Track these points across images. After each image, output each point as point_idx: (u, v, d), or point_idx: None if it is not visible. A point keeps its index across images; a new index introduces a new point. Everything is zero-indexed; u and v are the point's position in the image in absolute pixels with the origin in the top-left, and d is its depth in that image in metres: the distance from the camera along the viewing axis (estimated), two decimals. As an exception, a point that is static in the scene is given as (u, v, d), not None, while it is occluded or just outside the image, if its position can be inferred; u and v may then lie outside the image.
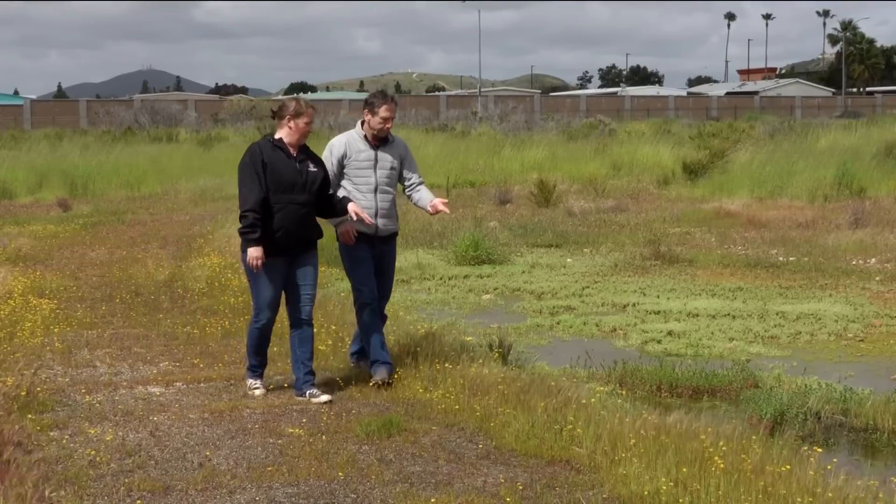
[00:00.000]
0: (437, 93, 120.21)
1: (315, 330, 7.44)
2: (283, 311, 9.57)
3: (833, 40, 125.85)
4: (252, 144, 7.19)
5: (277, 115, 7.12)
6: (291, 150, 7.03)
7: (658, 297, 11.68)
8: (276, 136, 7.08)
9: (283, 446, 6.08)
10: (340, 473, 5.57)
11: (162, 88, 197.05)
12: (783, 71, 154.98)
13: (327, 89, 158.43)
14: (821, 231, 16.47)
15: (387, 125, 7.35)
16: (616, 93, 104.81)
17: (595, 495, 5.23)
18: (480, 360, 7.65)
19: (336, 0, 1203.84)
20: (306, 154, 7.12)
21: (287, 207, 6.93)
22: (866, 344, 9.50)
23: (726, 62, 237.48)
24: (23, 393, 6.95)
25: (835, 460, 5.80)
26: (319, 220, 7.29)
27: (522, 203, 21.92)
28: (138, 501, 5.22)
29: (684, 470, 5.23)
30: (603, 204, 21.07)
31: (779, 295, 11.73)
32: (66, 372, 7.99)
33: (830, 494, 4.95)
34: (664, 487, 5.08)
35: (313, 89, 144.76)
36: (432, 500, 5.15)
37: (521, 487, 5.33)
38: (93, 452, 5.90)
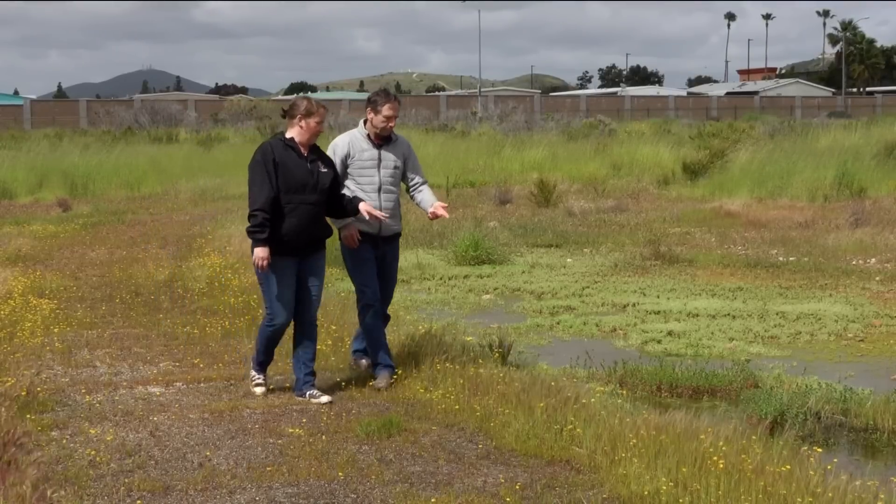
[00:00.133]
0: (437, 93, 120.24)
1: (314, 330, 7.42)
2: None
3: (833, 40, 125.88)
4: (263, 143, 7.12)
5: (288, 113, 7.05)
6: (302, 150, 6.98)
7: (658, 297, 11.68)
8: (288, 136, 7.01)
9: (283, 446, 6.08)
10: (340, 473, 5.57)
11: (162, 88, 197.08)
12: (783, 71, 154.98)
13: (327, 89, 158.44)
14: (821, 231, 16.47)
15: (390, 124, 7.31)
16: (616, 93, 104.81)
17: (595, 495, 5.23)
18: (480, 360, 7.64)
19: (336, 0, 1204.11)
20: (317, 154, 7.07)
21: (298, 208, 6.87)
22: (866, 344, 9.50)
23: (726, 62, 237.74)
24: (23, 393, 6.95)
25: (835, 460, 5.80)
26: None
27: (522, 203, 21.91)
28: (138, 501, 5.22)
29: (684, 470, 5.23)
30: (603, 204, 21.08)
31: (779, 295, 11.72)
32: (66, 372, 7.99)
33: (830, 494, 4.95)
34: (664, 487, 5.08)
35: (313, 89, 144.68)
36: (432, 500, 5.15)
37: (520, 487, 5.33)
38: (93, 452, 5.90)
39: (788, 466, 5.29)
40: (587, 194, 23.26)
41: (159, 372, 7.99)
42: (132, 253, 15.06)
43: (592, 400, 6.65)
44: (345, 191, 7.26)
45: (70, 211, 22.14)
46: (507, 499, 5.16)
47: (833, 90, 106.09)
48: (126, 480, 5.50)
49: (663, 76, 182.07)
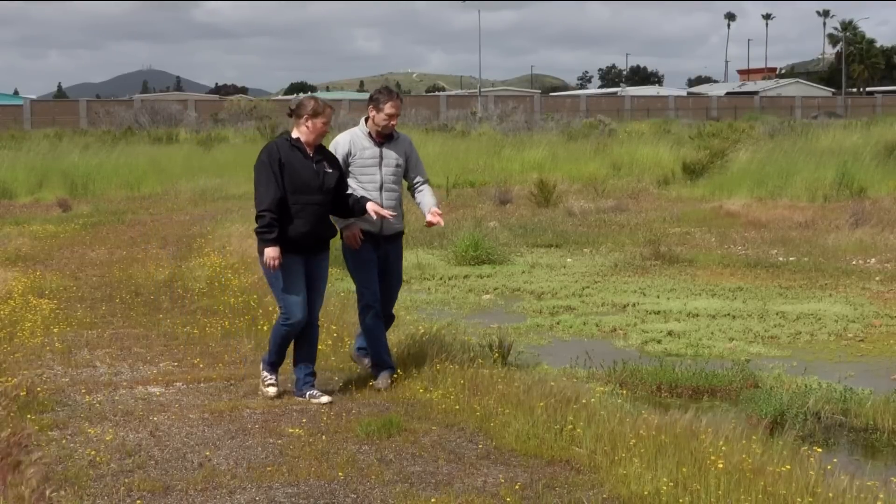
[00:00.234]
0: (437, 93, 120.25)
1: (314, 330, 7.41)
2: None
3: (833, 40, 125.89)
4: (269, 143, 7.08)
5: (295, 113, 6.98)
6: (308, 150, 6.93)
7: (658, 297, 11.68)
8: (294, 136, 6.95)
9: (283, 446, 6.08)
10: (340, 473, 5.57)
11: (162, 88, 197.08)
12: (783, 71, 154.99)
13: (327, 89, 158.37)
14: (821, 231, 16.47)
15: (392, 122, 7.26)
16: (616, 93, 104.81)
17: (595, 495, 5.23)
18: (480, 360, 7.64)
19: (336, 0, 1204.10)
20: (323, 154, 7.01)
21: (305, 208, 6.83)
22: (866, 344, 9.50)
23: (726, 62, 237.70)
24: (23, 393, 6.95)
25: (835, 460, 5.80)
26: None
27: (522, 203, 21.92)
28: (138, 501, 5.22)
29: (684, 470, 5.23)
30: (603, 204, 21.08)
31: (779, 295, 11.73)
32: (66, 372, 7.99)
33: (830, 494, 4.95)
34: (664, 487, 5.08)
35: (313, 89, 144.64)
36: (432, 500, 5.15)
37: (520, 487, 5.33)
38: (93, 452, 5.90)
39: (788, 466, 5.29)
40: (587, 194, 23.26)
41: (159, 372, 7.99)
42: (132, 253, 15.06)
43: (592, 400, 6.65)
44: (350, 190, 7.20)
45: (70, 211, 22.14)
46: (507, 499, 5.16)
47: (833, 90, 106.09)
48: (126, 480, 5.50)
49: (663, 76, 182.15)
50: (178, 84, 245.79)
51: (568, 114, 67.54)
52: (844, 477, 5.20)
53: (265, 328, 8.97)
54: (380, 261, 7.36)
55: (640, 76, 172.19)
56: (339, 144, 7.31)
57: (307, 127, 6.91)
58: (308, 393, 7.07)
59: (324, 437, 6.24)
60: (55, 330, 9.42)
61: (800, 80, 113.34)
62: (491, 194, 22.95)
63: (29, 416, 6.56)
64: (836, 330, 9.95)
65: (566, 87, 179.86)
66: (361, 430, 6.28)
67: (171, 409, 6.94)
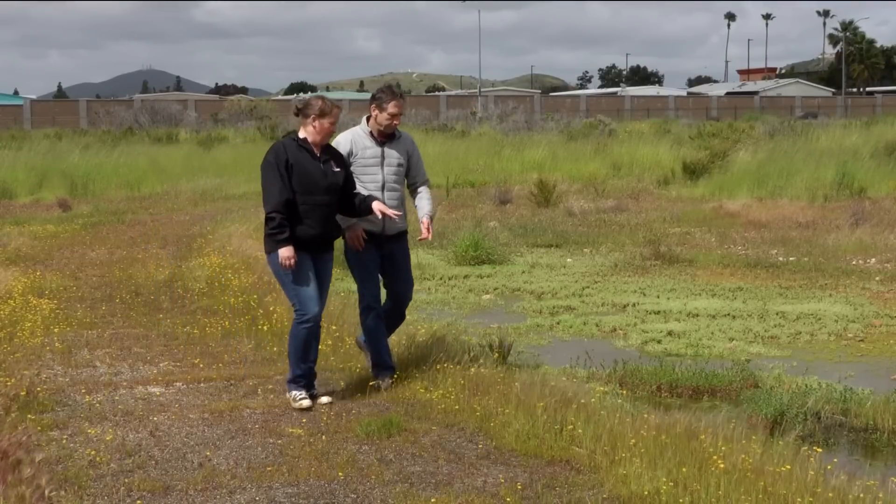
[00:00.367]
0: (437, 93, 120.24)
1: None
2: (283, 311, 9.58)
3: (833, 40, 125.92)
4: (276, 143, 7.01)
5: (302, 112, 6.91)
6: (315, 150, 6.88)
7: (658, 297, 11.68)
8: (301, 136, 6.90)
9: (283, 446, 6.08)
10: (340, 473, 5.57)
11: (162, 88, 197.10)
12: (783, 71, 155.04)
13: (327, 89, 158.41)
14: (821, 231, 16.47)
15: (395, 121, 7.21)
16: (616, 93, 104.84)
17: (595, 495, 5.23)
18: (480, 360, 7.64)
19: (336, 0, 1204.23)
20: (329, 154, 6.96)
21: (314, 209, 6.77)
22: (866, 344, 9.50)
23: (726, 62, 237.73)
24: (23, 393, 6.95)
25: (835, 460, 5.80)
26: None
27: (522, 203, 21.92)
28: (138, 501, 5.22)
29: (684, 470, 5.23)
30: (603, 204, 21.08)
31: (779, 295, 11.73)
32: (66, 372, 7.99)
33: (830, 494, 4.95)
34: (664, 487, 5.08)
35: (313, 89, 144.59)
36: (432, 500, 5.15)
37: (520, 487, 5.33)
38: (93, 452, 5.90)
39: (788, 466, 5.28)
40: (587, 194, 23.26)
41: (159, 372, 7.99)
42: (132, 253, 15.06)
43: (592, 400, 6.65)
44: (359, 189, 7.13)
45: (70, 211, 22.15)
46: (507, 499, 5.16)
47: (833, 90, 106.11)
48: (126, 480, 5.50)
49: (663, 76, 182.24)
50: (178, 84, 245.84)
51: (568, 114, 67.57)
52: (844, 477, 5.21)
53: (265, 328, 8.97)
54: (385, 261, 7.31)
55: (640, 76, 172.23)
56: (339, 144, 7.24)
57: (314, 127, 6.86)
58: (310, 392, 7.06)
59: (324, 437, 6.24)
60: (55, 330, 9.42)
61: (800, 80, 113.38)
62: (491, 194, 22.95)
63: (29, 416, 6.56)
64: (836, 330, 9.95)
65: (566, 87, 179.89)
66: (361, 430, 6.28)
67: (171, 409, 6.94)
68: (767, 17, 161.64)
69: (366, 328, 7.39)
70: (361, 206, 7.00)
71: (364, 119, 7.38)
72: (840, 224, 16.90)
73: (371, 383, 7.28)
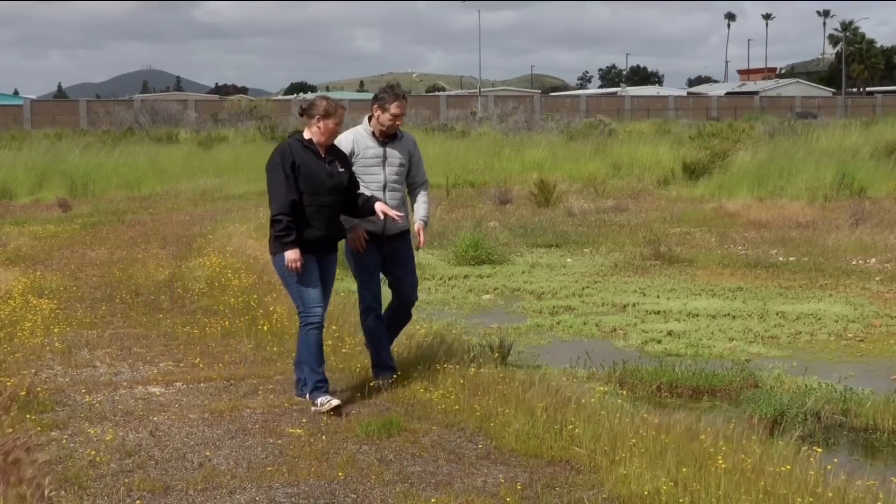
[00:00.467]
0: (437, 93, 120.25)
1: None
2: (283, 311, 9.58)
3: (833, 40, 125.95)
4: (281, 144, 6.97)
5: (306, 113, 6.87)
6: (320, 151, 6.83)
7: (658, 297, 11.68)
8: (306, 137, 6.85)
9: (283, 446, 6.08)
10: (340, 473, 5.57)
11: (162, 88, 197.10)
12: (783, 71, 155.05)
13: (327, 89, 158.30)
14: (821, 231, 16.47)
15: (397, 122, 7.18)
16: (616, 93, 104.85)
17: (595, 495, 5.23)
18: (480, 360, 7.64)
19: (336, 0, 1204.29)
20: (334, 154, 6.93)
21: (321, 210, 6.74)
22: (866, 344, 9.50)
23: (726, 62, 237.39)
24: (23, 393, 6.95)
25: (835, 460, 5.79)
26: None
27: (522, 203, 21.92)
28: (138, 501, 5.22)
29: (684, 470, 5.23)
30: (603, 204, 21.08)
31: (779, 295, 11.72)
32: (66, 372, 7.99)
33: (830, 494, 4.95)
34: (664, 487, 5.08)
35: (313, 89, 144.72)
36: (432, 500, 5.15)
37: (520, 487, 5.33)
38: (93, 452, 5.90)
39: (788, 466, 5.29)
40: (587, 194, 23.26)
41: (159, 372, 7.99)
42: (132, 253, 15.06)
43: (592, 400, 6.65)
44: (361, 189, 7.11)
45: (70, 211, 22.15)
46: (507, 499, 5.16)
47: (833, 90, 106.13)
48: (126, 480, 5.50)
49: (663, 76, 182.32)
50: (178, 84, 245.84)
51: (568, 114, 67.56)
52: (844, 477, 5.21)
53: (265, 328, 8.98)
54: (387, 260, 7.29)
55: (640, 76, 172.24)
56: (341, 144, 7.18)
57: (318, 128, 6.81)
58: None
59: (324, 437, 6.24)
60: (55, 330, 9.42)
61: (800, 80, 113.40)
62: (491, 194, 22.95)
63: (29, 416, 6.55)
64: (836, 330, 9.95)
65: (566, 87, 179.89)
66: (361, 430, 6.28)
67: (171, 409, 6.94)
68: (767, 17, 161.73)
69: (366, 329, 7.39)
70: (364, 207, 6.98)
71: (366, 118, 7.34)
72: (840, 224, 16.90)
73: (371, 383, 7.28)
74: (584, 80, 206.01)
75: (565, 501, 5.17)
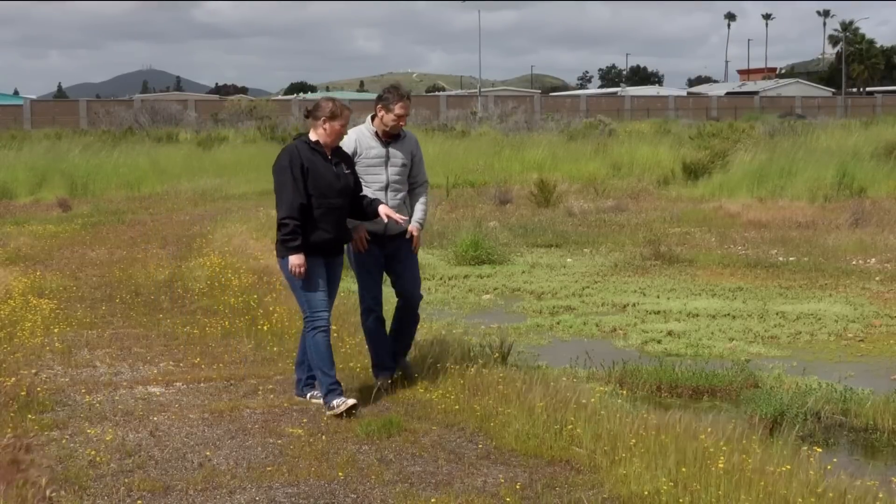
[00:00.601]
0: (437, 93, 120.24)
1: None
2: (283, 311, 9.58)
3: (833, 40, 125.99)
4: (288, 146, 6.89)
5: (312, 114, 6.82)
6: (327, 153, 6.79)
7: (658, 297, 11.68)
8: (312, 139, 6.80)
9: (283, 446, 6.08)
10: (340, 473, 5.57)
11: (162, 88, 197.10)
12: (783, 71, 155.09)
13: (327, 89, 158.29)
14: (821, 231, 16.47)
15: (401, 122, 7.16)
16: (616, 93, 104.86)
17: (595, 495, 5.23)
18: (480, 360, 7.64)
19: (336, 0, 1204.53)
20: (340, 156, 6.89)
21: (328, 212, 6.70)
22: (866, 344, 9.49)
23: (726, 62, 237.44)
24: (23, 393, 6.95)
25: (835, 460, 5.80)
26: None
27: (522, 203, 21.92)
28: (138, 501, 5.22)
29: (684, 470, 5.23)
30: (603, 204, 21.08)
31: (779, 295, 11.72)
32: (66, 372, 7.99)
33: (831, 494, 4.95)
34: (664, 487, 5.08)
35: (313, 89, 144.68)
36: (432, 500, 5.15)
37: (520, 487, 5.33)
38: (93, 452, 5.90)
39: (788, 466, 5.29)
40: (587, 194, 23.26)
41: (159, 372, 7.99)
42: (132, 253, 15.06)
43: (592, 400, 6.64)
44: (364, 190, 7.08)
45: (70, 211, 22.14)
46: (507, 499, 5.16)
47: (833, 90, 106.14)
48: (126, 480, 5.50)
49: (663, 76, 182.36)
50: (178, 84, 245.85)
51: (568, 114, 67.56)
52: (844, 477, 5.21)
53: (265, 328, 8.98)
54: (389, 259, 7.26)
55: (640, 76, 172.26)
56: (344, 144, 7.11)
57: (324, 129, 6.76)
58: (309, 394, 7.07)
59: (324, 437, 6.24)
60: (55, 330, 9.42)
61: (800, 80, 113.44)
62: (491, 194, 22.94)
63: (29, 416, 6.56)
64: (836, 330, 9.95)
65: (566, 87, 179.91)
66: (361, 430, 6.28)
67: (171, 409, 6.94)
68: (767, 17, 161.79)
69: (366, 329, 7.38)
70: (368, 209, 6.96)
71: (368, 118, 7.31)
72: (840, 224, 16.90)
73: (371, 383, 7.28)
74: (584, 80, 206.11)
75: (565, 501, 5.17)
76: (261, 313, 9.65)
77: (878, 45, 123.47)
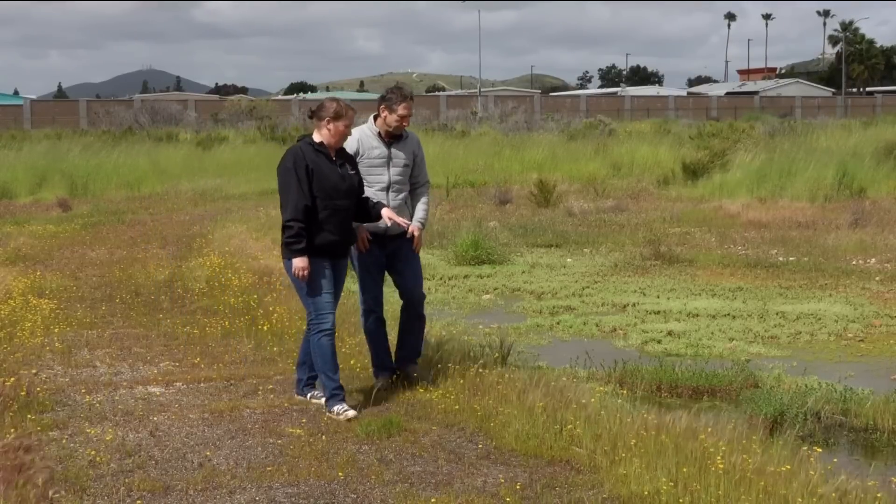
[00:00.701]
0: (437, 93, 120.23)
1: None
2: (283, 311, 9.58)
3: (833, 40, 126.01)
4: (292, 147, 6.82)
5: (316, 115, 6.77)
6: (331, 154, 6.75)
7: (658, 297, 11.68)
8: (316, 139, 6.76)
9: (283, 446, 6.08)
10: (340, 473, 5.58)
11: (162, 88, 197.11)
12: (783, 71, 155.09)
13: (327, 89, 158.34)
14: (821, 231, 16.47)
15: (404, 123, 7.14)
16: (616, 93, 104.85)
17: (595, 495, 5.23)
18: (480, 360, 7.64)
19: (336, 0, 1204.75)
20: (344, 157, 6.85)
21: (334, 213, 6.65)
22: (866, 344, 9.49)
23: (726, 62, 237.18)
24: (23, 393, 6.95)
25: (835, 460, 5.80)
26: None
27: (522, 203, 21.92)
28: (138, 501, 5.22)
29: (684, 470, 5.23)
30: (603, 204, 21.08)
31: (779, 295, 11.72)
32: (66, 372, 7.99)
33: (833, 494, 4.95)
34: (664, 487, 5.08)
35: (313, 89, 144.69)
36: (432, 500, 5.15)
37: (520, 487, 5.33)
38: (93, 452, 5.90)
39: (788, 466, 5.29)
40: (587, 194, 23.26)
41: (159, 372, 7.99)
42: (132, 253, 15.06)
43: (592, 400, 6.64)
44: (367, 192, 7.04)
45: (70, 211, 22.15)
46: (507, 499, 5.16)
47: (833, 90, 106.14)
48: (126, 480, 5.50)
49: (663, 76, 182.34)
50: (178, 84, 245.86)
51: (568, 114, 67.57)
52: (844, 477, 5.21)
53: (265, 328, 8.98)
54: (391, 258, 7.25)
55: (640, 76, 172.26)
56: (347, 144, 7.07)
57: (328, 130, 6.71)
58: (310, 394, 7.07)
59: (324, 437, 6.24)
60: (55, 330, 9.42)
61: (800, 80, 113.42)
62: (491, 194, 22.94)
63: (29, 416, 6.56)
64: (836, 330, 9.94)
65: (566, 87, 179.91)
66: (361, 430, 6.28)
67: (171, 409, 6.94)
68: (767, 17, 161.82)
69: (366, 330, 7.38)
70: (373, 212, 6.93)
71: (371, 118, 7.28)
72: (840, 224, 16.90)
73: (371, 384, 7.28)
74: (584, 81, 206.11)
75: (565, 501, 5.18)
76: (261, 313, 9.65)
77: (878, 45, 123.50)
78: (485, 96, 79.67)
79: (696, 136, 36.54)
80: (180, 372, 7.98)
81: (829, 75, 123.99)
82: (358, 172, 6.92)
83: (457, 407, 6.69)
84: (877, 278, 12.66)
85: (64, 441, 6.15)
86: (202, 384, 7.60)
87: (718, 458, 5.35)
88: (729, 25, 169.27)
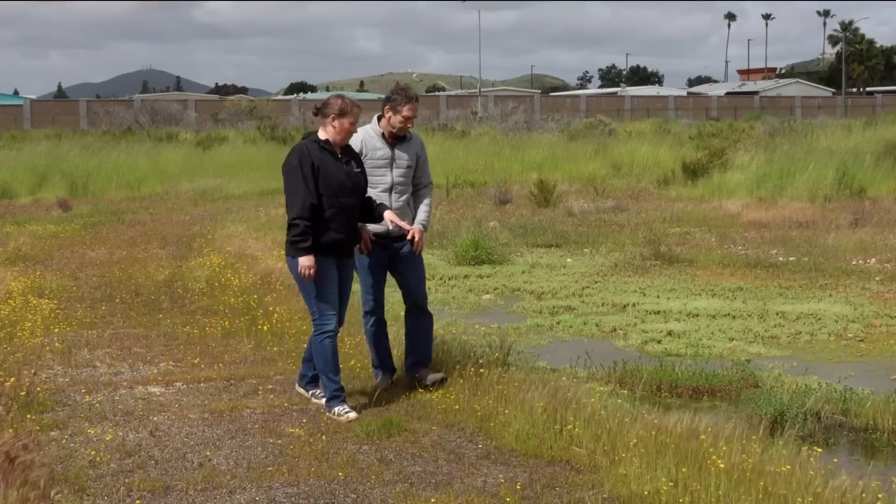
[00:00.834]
0: (437, 93, 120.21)
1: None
2: (283, 311, 9.58)
3: (833, 40, 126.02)
4: (298, 145, 6.78)
5: (321, 112, 6.73)
6: (337, 151, 6.71)
7: (658, 297, 11.68)
8: (322, 137, 6.71)
9: (283, 446, 6.08)
10: (340, 473, 5.58)
11: (162, 88, 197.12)
12: (783, 71, 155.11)
13: (327, 89, 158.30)
14: (821, 231, 16.47)
15: (408, 124, 7.11)
16: (616, 93, 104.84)
17: (595, 495, 5.23)
18: (480, 360, 7.64)
19: (336, 0, 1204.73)
20: (349, 154, 6.82)
21: (340, 212, 6.61)
22: (866, 344, 9.49)
23: (726, 62, 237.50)
24: (23, 393, 6.95)
25: (835, 460, 5.80)
26: None
27: (522, 203, 21.92)
28: (138, 501, 5.22)
29: (684, 470, 5.23)
30: (603, 204, 21.08)
31: (779, 295, 11.72)
32: (66, 372, 8.00)
33: (835, 495, 4.95)
34: (664, 487, 5.08)
35: (313, 89, 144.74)
36: (432, 500, 5.15)
37: (520, 487, 5.33)
38: (93, 452, 5.90)
39: (788, 466, 5.28)
40: (587, 194, 23.26)
41: (159, 372, 7.99)
42: (132, 253, 15.06)
43: (592, 400, 6.64)
44: (370, 192, 7.02)
45: (70, 211, 22.15)
46: (507, 499, 5.16)
47: (833, 90, 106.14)
48: (126, 480, 5.50)
49: (663, 76, 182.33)
50: (178, 84, 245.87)
51: (568, 114, 67.58)
52: (845, 477, 5.20)
53: (265, 328, 8.98)
54: (393, 259, 7.23)
55: (640, 76, 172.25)
56: (350, 143, 7.09)
57: (333, 127, 6.67)
58: (311, 392, 7.06)
59: (324, 437, 6.24)
60: (55, 330, 9.42)
61: (800, 81, 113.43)
62: (491, 194, 22.94)
63: (29, 416, 6.56)
64: (836, 330, 9.94)
65: (566, 87, 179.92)
66: (361, 430, 6.28)
67: (171, 409, 6.94)
68: (767, 17, 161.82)
69: (367, 332, 7.37)
70: (376, 213, 6.91)
71: (375, 118, 7.26)
72: (840, 224, 16.90)
73: (372, 384, 7.28)
74: (584, 81, 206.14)
75: (565, 501, 5.18)
76: (261, 313, 9.65)
77: (878, 45, 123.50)
78: (485, 96, 79.67)
79: (696, 136, 36.55)
80: (180, 372, 7.98)
81: (829, 75, 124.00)
82: (364, 170, 6.88)
83: (457, 407, 6.70)
84: (877, 278, 12.66)
85: (64, 441, 6.15)
86: (202, 384, 7.60)
87: (718, 458, 5.35)
88: (729, 25, 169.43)
